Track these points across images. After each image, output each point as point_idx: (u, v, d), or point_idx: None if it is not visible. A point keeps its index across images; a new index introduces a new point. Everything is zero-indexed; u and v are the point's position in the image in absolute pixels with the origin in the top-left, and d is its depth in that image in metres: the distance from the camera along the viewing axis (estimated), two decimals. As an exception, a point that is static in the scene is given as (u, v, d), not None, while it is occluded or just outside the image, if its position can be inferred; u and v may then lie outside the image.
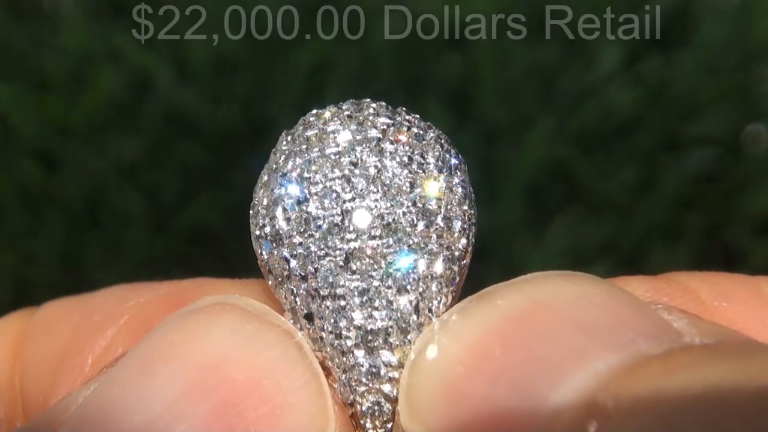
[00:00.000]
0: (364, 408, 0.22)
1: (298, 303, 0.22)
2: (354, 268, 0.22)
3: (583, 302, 0.19)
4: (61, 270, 0.77)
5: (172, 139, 0.83)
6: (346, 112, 0.23)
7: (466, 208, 0.23)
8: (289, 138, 0.23)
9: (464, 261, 0.22)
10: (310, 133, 0.23)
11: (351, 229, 0.22)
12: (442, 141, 0.23)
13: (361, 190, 0.22)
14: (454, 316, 0.20)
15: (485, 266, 0.75)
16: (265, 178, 0.23)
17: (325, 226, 0.22)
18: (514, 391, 0.18)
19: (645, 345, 0.18)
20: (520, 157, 0.81)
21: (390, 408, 0.22)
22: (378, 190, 0.22)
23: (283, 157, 0.23)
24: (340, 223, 0.22)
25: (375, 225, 0.22)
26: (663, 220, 0.80)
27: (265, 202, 0.23)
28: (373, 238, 0.22)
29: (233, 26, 0.88)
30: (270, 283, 0.23)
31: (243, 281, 0.26)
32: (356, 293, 0.22)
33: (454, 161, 0.23)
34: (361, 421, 0.22)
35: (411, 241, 0.22)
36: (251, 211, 0.23)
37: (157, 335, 0.20)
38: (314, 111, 0.24)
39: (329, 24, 0.88)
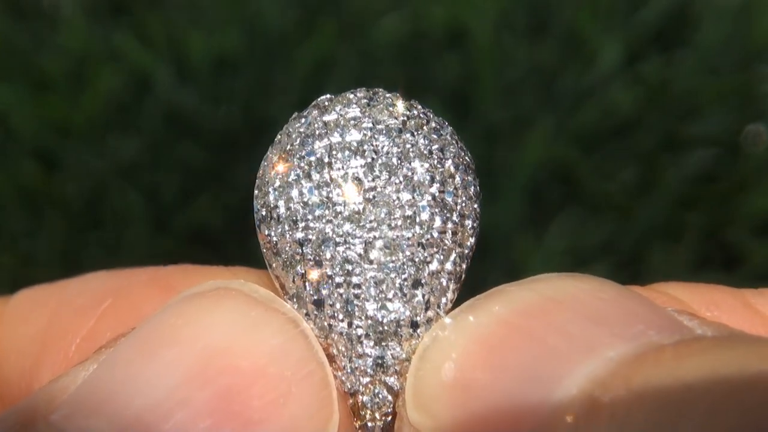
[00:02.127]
0: (365, 399, 0.22)
1: (308, 288, 0.22)
2: (372, 257, 0.22)
3: (594, 298, 0.19)
4: (61, 270, 0.77)
5: (172, 139, 0.83)
6: (364, 100, 0.23)
7: (476, 206, 0.23)
8: (303, 120, 0.23)
9: (469, 260, 0.23)
10: (328, 117, 0.23)
11: (371, 218, 0.22)
12: (456, 138, 0.23)
13: (384, 179, 0.22)
14: (465, 311, 0.20)
15: (485, 266, 0.75)
16: (275, 158, 0.23)
17: (345, 213, 0.22)
18: (525, 380, 0.18)
19: (656, 336, 0.18)
20: (520, 157, 0.81)
21: (391, 401, 0.22)
22: (400, 181, 0.22)
23: (299, 140, 0.23)
24: (360, 211, 0.22)
25: (396, 216, 0.22)
26: (663, 220, 0.80)
27: (277, 183, 0.22)
28: (393, 228, 0.22)
29: (233, 26, 0.88)
30: (274, 265, 0.23)
31: (230, 268, 0.26)
32: (372, 283, 0.22)
33: (467, 159, 0.23)
34: (361, 412, 0.22)
35: (429, 235, 0.22)
36: (257, 191, 0.23)
37: (159, 318, 0.20)
38: (328, 96, 0.23)
39: (329, 24, 0.88)
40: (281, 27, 0.89)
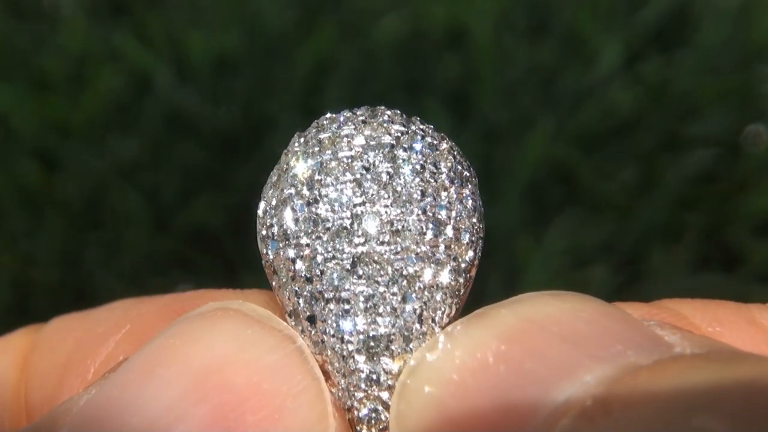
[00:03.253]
0: (361, 414, 0.22)
1: (302, 305, 0.22)
2: (360, 272, 0.22)
3: (573, 318, 0.19)
4: (61, 270, 0.77)
5: (172, 139, 0.83)
6: (361, 117, 0.23)
7: (475, 221, 0.23)
8: (301, 140, 0.23)
9: (470, 274, 0.22)
10: (323, 135, 0.23)
11: (360, 233, 0.22)
12: (455, 152, 0.23)
13: (372, 195, 0.22)
14: (444, 338, 0.20)
15: (485, 267, 0.75)
16: (275, 178, 0.23)
17: (333, 229, 0.22)
18: (502, 407, 0.18)
19: (634, 356, 0.18)
20: (520, 157, 0.81)
21: (387, 416, 0.21)
22: (389, 196, 0.22)
23: (294, 158, 0.23)
24: (349, 227, 0.22)
25: (384, 231, 0.22)
26: (663, 220, 0.80)
27: (273, 202, 0.23)
28: (382, 243, 0.22)
29: (233, 26, 0.88)
30: (274, 284, 0.23)
31: (245, 291, 0.26)
32: (361, 298, 0.22)
33: (466, 173, 0.23)
34: (357, 428, 0.22)
35: (419, 249, 0.22)
36: (259, 211, 0.23)
37: (158, 340, 0.20)
38: (328, 114, 0.24)
39: (329, 24, 0.88)
40: (281, 27, 0.89)
